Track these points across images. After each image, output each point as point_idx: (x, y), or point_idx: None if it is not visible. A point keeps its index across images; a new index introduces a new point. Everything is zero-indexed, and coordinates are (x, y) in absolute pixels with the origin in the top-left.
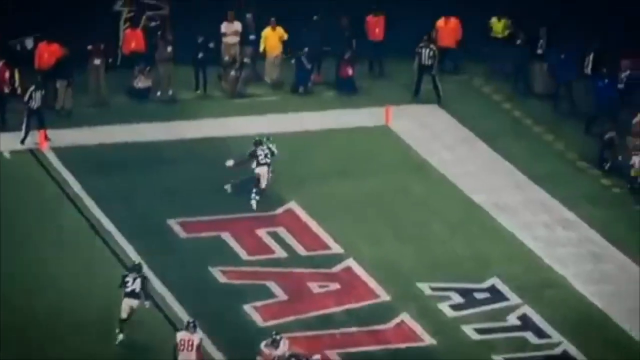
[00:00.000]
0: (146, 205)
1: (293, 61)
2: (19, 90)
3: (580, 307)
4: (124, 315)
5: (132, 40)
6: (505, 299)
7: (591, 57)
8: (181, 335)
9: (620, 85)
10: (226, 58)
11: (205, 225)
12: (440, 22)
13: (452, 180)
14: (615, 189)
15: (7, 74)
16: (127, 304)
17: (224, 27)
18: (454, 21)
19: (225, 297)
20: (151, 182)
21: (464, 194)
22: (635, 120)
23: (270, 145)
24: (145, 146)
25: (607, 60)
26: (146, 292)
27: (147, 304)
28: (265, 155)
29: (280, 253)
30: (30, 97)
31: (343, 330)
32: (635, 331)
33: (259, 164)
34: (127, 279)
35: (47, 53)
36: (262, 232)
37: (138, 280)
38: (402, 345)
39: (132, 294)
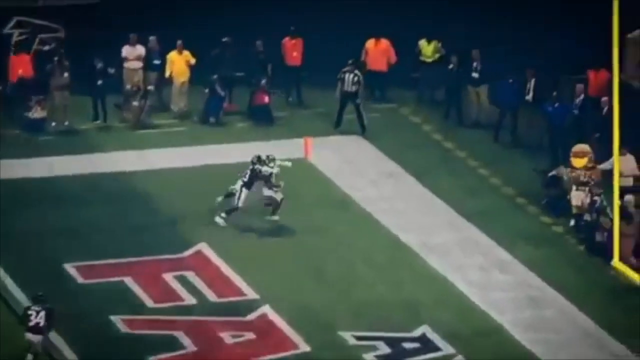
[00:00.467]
0: (40, 248)
1: (207, 90)
2: None
3: (519, 356)
4: (29, 358)
5: (19, 66)
6: (437, 349)
7: (533, 82)
8: None
9: (575, 111)
10: (128, 86)
11: (106, 269)
12: (370, 44)
13: (378, 218)
14: (557, 227)
15: None
16: (29, 339)
17: (125, 51)
18: (384, 42)
19: (128, 349)
20: (46, 221)
21: (391, 233)
22: (574, 149)
23: (267, 168)
24: (39, 182)
25: (553, 84)
26: (51, 325)
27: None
28: (247, 175)
29: (189, 300)
30: None
31: None
32: None
33: (242, 183)
34: (30, 312)
35: None
36: (169, 277)
37: (42, 314)
38: None
39: (35, 329)
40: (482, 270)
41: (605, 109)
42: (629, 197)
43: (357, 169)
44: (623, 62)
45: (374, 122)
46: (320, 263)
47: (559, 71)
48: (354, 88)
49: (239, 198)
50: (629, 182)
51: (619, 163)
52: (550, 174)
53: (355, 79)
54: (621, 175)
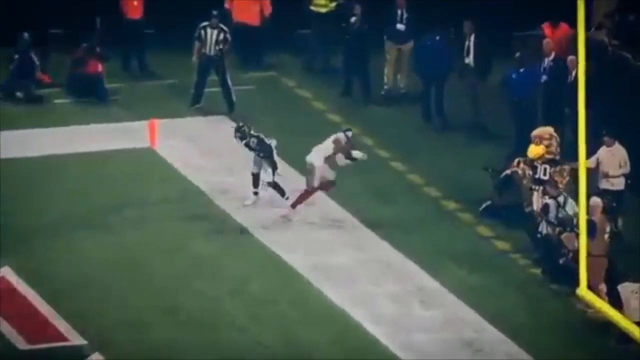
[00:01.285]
0: None
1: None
2: None
3: None
4: None
5: None
6: None
7: (472, 39)
8: None
9: (544, 77)
10: None
11: None
12: None
13: (253, 232)
14: (499, 242)
15: None
16: None
17: None
18: None
19: None
20: None
21: (270, 252)
22: (533, 133)
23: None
24: None
25: (506, 41)
26: None
27: None
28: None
29: None
30: None
31: None
32: None
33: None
34: None
35: None
36: None
37: None
38: None
39: None
40: (397, 302)
41: (575, 72)
42: (595, 200)
43: (221, 162)
44: (590, 14)
45: (246, 98)
46: (173, 295)
47: (503, 26)
48: (217, 50)
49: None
50: (620, 185)
51: (586, 155)
52: (504, 173)
53: (220, 36)
54: (606, 175)
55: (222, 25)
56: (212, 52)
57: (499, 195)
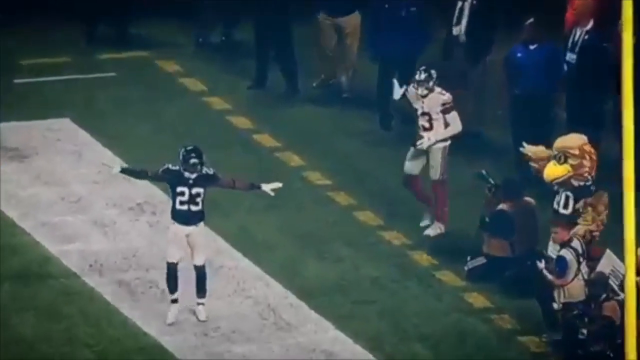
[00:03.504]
0: None
1: None
2: None
3: None
4: None
5: None
6: None
7: (467, 4)
8: None
9: (572, 56)
10: None
11: None
12: None
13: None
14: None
15: None
16: None
17: None
18: None
19: None
20: None
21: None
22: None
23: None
24: None
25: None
26: None
27: None
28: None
29: None
30: None
31: None
32: None
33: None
34: None
35: None
36: None
37: None
38: None
39: None
40: None
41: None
42: None
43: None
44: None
45: (102, 91)
46: None
47: None
48: None
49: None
50: None
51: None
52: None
53: None
54: None
55: None
56: None
57: (488, 223)
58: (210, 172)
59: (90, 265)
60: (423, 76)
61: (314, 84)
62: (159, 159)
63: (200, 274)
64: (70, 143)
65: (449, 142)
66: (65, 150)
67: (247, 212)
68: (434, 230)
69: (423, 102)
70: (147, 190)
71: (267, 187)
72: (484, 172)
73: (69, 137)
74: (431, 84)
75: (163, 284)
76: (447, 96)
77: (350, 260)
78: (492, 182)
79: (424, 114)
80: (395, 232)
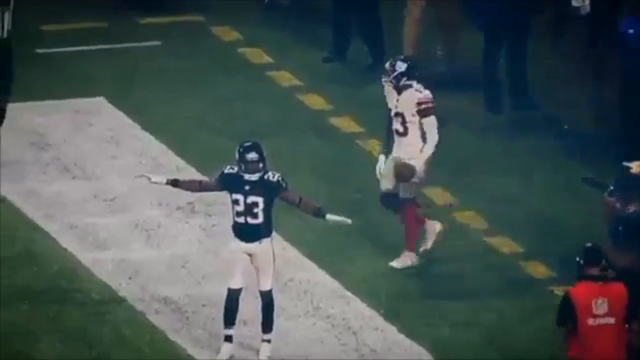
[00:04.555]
0: None
1: None
2: None
3: None
4: None
5: None
6: None
7: None
8: None
9: None
10: None
11: None
12: None
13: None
14: None
15: None
16: None
17: None
18: None
19: None
20: None
21: None
22: None
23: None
24: None
25: None
26: None
27: None
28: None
29: None
30: None
31: None
32: None
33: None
34: None
35: None
36: None
37: None
38: None
39: None
40: None
41: None
42: None
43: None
44: None
45: (144, 63)
46: None
47: None
48: None
49: None
50: None
51: None
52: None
53: None
54: None
55: None
56: None
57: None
58: (274, 178)
59: (130, 278)
60: (387, 66)
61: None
62: (214, 147)
63: (267, 302)
64: (105, 127)
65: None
66: (98, 137)
67: None
68: (400, 262)
69: (397, 100)
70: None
71: (332, 218)
72: (592, 177)
73: (104, 120)
74: (400, 78)
75: (218, 300)
76: (423, 94)
77: (449, 272)
78: (607, 184)
79: (397, 114)
80: (505, 238)
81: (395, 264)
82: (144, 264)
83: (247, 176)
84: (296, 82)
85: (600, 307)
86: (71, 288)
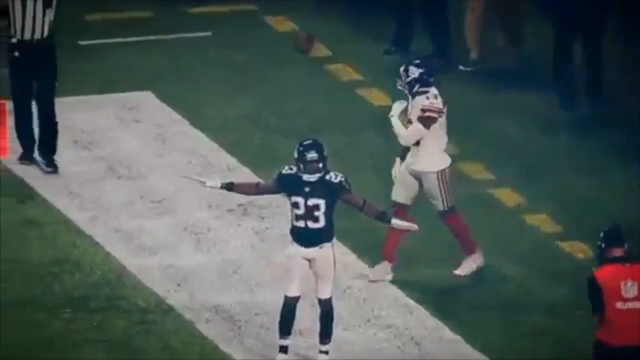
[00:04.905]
0: None
1: None
2: None
3: None
4: None
5: None
6: None
7: None
8: None
9: None
10: None
11: None
12: None
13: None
14: None
15: None
16: None
17: None
18: None
19: None
20: None
21: None
22: None
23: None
24: None
25: None
26: None
27: None
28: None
29: None
30: None
31: None
32: None
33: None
34: None
35: None
36: None
37: None
38: None
39: None
40: None
41: None
42: None
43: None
44: None
45: (192, 55)
46: None
47: None
48: None
49: None
50: None
51: None
52: None
53: None
54: None
55: None
56: None
57: None
58: (336, 179)
59: (178, 285)
60: (401, 70)
61: (471, 58)
62: (268, 145)
63: (325, 310)
64: (152, 123)
65: (445, 165)
66: (145, 133)
67: None
68: (464, 268)
69: (411, 106)
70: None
71: (398, 223)
72: None
73: (151, 116)
74: (413, 85)
75: (272, 309)
76: (428, 102)
77: (518, 279)
78: None
79: (409, 122)
80: (579, 242)
81: (459, 271)
82: (193, 269)
83: (306, 177)
84: (356, 75)
85: (629, 290)
86: (116, 295)
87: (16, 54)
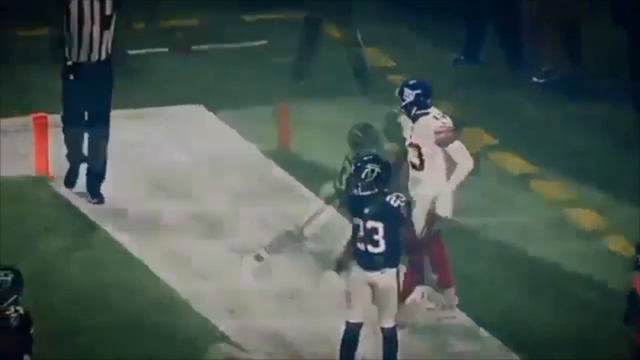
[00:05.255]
0: None
1: None
2: None
3: None
4: None
5: None
6: None
7: None
8: None
9: None
10: None
11: None
12: None
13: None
14: None
15: None
16: None
17: None
18: None
19: None
20: None
21: None
22: None
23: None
24: None
25: None
26: None
27: None
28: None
29: None
30: None
31: None
32: None
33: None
34: None
35: None
36: None
37: None
38: None
39: None
40: None
41: None
42: None
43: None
44: None
45: (248, 62)
46: None
47: None
48: None
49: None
50: None
51: None
52: None
53: None
54: None
55: None
56: None
57: None
58: (395, 203)
59: (232, 312)
60: (397, 92)
61: (544, 68)
62: (324, 162)
63: (388, 339)
64: (204, 139)
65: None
66: (196, 149)
67: None
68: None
69: (412, 129)
70: (312, 206)
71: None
72: None
73: (202, 131)
74: (409, 108)
75: (333, 336)
76: (440, 122)
77: (596, 305)
78: None
79: (411, 145)
80: None
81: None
82: (248, 295)
83: (363, 193)
84: None
85: None
86: (165, 322)
87: (71, 77)
